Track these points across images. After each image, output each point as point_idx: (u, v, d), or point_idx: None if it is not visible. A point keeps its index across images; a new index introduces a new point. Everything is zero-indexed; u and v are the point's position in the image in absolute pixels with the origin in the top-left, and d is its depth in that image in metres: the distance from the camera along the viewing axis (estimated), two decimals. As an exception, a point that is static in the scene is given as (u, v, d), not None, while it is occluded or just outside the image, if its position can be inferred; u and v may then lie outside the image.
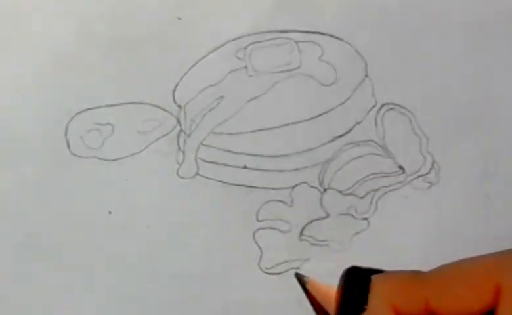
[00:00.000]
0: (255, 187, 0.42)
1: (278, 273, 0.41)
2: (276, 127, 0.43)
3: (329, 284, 0.37)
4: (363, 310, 0.31)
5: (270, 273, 0.41)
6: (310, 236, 0.41)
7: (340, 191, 0.42)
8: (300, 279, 0.40)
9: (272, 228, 0.41)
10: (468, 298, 0.31)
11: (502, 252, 0.32)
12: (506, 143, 0.44)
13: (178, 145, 0.43)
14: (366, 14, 0.45)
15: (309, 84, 0.44)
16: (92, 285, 0.40)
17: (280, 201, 0.42)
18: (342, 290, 0.32)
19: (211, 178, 0.42)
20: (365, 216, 0.42)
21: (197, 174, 0.42)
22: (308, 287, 0.39)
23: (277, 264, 0.41)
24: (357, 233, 0.42)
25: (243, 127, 0.43)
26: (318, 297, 0.38)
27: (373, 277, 0.32)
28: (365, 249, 0.41)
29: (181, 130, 0.43)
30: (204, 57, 0.44)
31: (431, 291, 0.31)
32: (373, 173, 0.42)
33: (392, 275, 0.32)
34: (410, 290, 0.31)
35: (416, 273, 0.32)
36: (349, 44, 0.44)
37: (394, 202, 0.42)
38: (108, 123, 0.43)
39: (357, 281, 0.32)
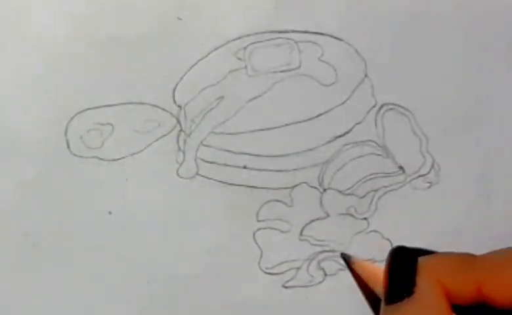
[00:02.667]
0: (255, 187, 0.42)
1: (278, 273, 0.41)
2: (276, 127, 0.43)
3: (375, 264, 0.37)
4: (412, 292, 0.30)
5: (270, 273, 0.41)
6: (310, 236, 0.41)
7: (340, 192, 0.42)
8: (346, 259, 0.40)
9: (272, 228, 0.41)
10: None
11: None
12: (506, 143, 0.44)
13: (178, 145, 0.43)
14: (366, 14, 0.45)
15: (309, 84, 0.44)
16: (92, 285, 0.40)
17: (280, 201, 0.42)
18: (389, 272, 0.31)
19: (211, 178, 0.42)
20: (365, 216, 0.42)
21: (197, 174, 0.42)
22: (354, 267, 0.39)
23: (277, 264, 0.41)
24: (357, 233, 0.42)
25: (243, 127, 0.43)
26: (364, 277, 0.38)
27: (421, 258, 0.31)
28: (365, 249, 0.41)
29: (181, 130, 0.43)
30: (204, 57, 0.44)
31: (485, 274, 0.30)
32: (373, 173, 0.42)
33: (441, 256, 0.31)
34: (461, 272, 0.30)
35: (468, 255, 0.31)
36: (349, 44, 0.44)
37: (394, 202, 0.42)
38: (108, 123, 0.43)
39: (404, 262, 0.31)
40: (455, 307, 0.30)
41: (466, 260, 0.30)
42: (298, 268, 0.41)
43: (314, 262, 0.41)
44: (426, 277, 0.30)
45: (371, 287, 0.36)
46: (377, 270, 0.35)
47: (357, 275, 0.38)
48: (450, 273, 0.30)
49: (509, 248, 0.31)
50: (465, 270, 0.30)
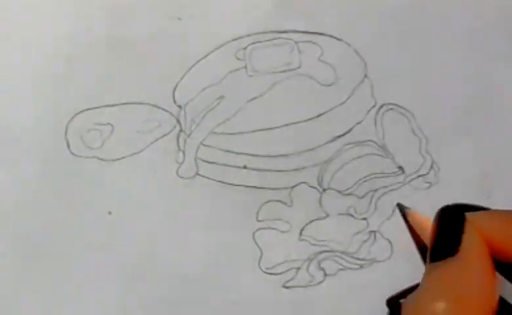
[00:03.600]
0: (254, 187, 0.42)
1: (278, 273, 0.41)
2: (275, 127, 0.43)
3: (428, 217, 0.37)
4: (456, 251, 0.30)
5: (270, 273, 0.41)
6: (310, 236, 0.41)
7: (339, 191, 0.42)
8: (402, 210, 0.40)
9: (272, 228, 0.41)
10: None
11: None
12: (506, 143, 0.44)
13: (178, 145, 0.43)
14: (366, 14, 0.45)
15: (309, 84, 0.44)
16: (92, 285, 0.40)
17: (280, 201, 0.42)
18: (437, 229, 0.31)
19: (211, 178, 0.42)
20: (364, 216, 0.42)
21: (197, 174, 0.42)
22: (409, 218, 0.39)
23: (277, 264, 0.41)
24: (357, 233, 0.42)
25: (243, 127, 0.43)
26: (417, 229, 0.38)
27: (468, 216, 0.30)
28: (365, 249, 0.41)
29: (181, 130, 0.43)
30: (204, 57, 0.44)
31: None
32: (373, 173, 0.42)
33: (490, 213, 0.31)
34: (508, 227, 0.30)
35: None
36: (349, 44, 0.44)
37: (394, 202, 0.42)
38: (108, 123, 0.43)
39: (451, 221, 0.30)
40: (506, 265, 0.30)
41: None
42: (298, 268, 0.41)
43: (314, 262, 0.41)
44: (471, 236, 0.30)
45: (422, 238, 0.36)
46: (428, 224, 0.34)
47: (411, 226, 0.38)
48: (499, 229, 0.30)
49: None
50: None
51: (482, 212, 0.31)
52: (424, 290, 0.29)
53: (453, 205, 0.32)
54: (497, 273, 0.30)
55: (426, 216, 0.37)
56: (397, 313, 0.32)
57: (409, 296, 0.30)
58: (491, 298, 0.29)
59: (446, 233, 0.30)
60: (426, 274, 0.30)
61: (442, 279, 0.29)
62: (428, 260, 0.31)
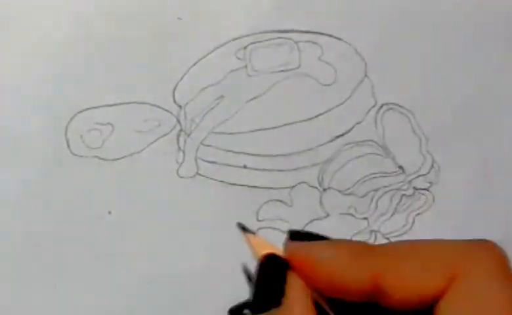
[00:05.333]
0: (255, 187, 0.42)
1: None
2: (275, 127, 0.43)
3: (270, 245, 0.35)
4: (279, 302, 0.29)
5: (270, 273, 0.41)
6: (310, 236, 0.41)
7: (340, 191, 0.42)
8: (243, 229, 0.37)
9: (272, 228, 0.41)
10: (422, 279, 0.28)
11: (461, 241, 0.29)
12: (506, 143, 0.44)
13: (178, 145, 0.43)
14: (366, 14, 0.45)
15: (309, 84, 0.44)
16: (92, 285, 0.40)
17: (280, 201, 0.42)
18: (257, 282, 0.30)
19: (211, 178, 0.42)
20: (365, 215, 0.42)
21: (197, 174, 0.42)
22: (247, 237, 0.37)
23: (277, 264, 0.41)
24: (357, 232, 0.42)
25: (243, 127, 0.43)
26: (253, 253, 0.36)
27: (292, 262, 0.29)
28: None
29: (181, 130, 0.43)
30: (204, 57, 0.44)
31: (382, 263, 0.28)
32: (373, 173, 0.42)
33: (332, 245, 0.30)
34: (357, 261, 0.29)
35: (366, 245, 0.30)
36: (349, 44, 0.44)
37: (395, 202, 0.42)
38: (108, 123, 0.43)
39: (274, 270, 0.29)
40: (346, 306, 0.29)
41: (364, 248, 0.29)
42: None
43: (314, 262, 0.41)
44: (295, 285, 0.29)
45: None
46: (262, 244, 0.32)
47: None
48: (343, 261, 0.29)
49: (409, 241, 0.30)
50: (362, 258, 0.29)
51: (323, 242, 0.30)
52: None
53: (275, 256, 0.30)
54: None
55: (265, 243, 0.34)
56: None
57: None
58: None
59: (269, 283, 0.30)
60: None
61: None
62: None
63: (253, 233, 0.35)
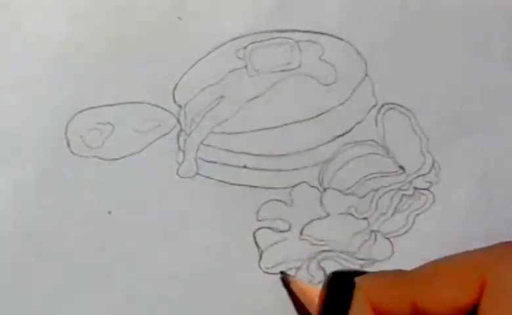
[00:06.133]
0: (255, 187, 0.42)
1: (278, 274, 0.41)
2: (275, 127, 0.43)
3: (313, 285, 0.37)
4: (346, 313, 0.30)
5: (270, 273, 0.41)
6: (310, 236, 0.41)
7: (340, 191, 0.42)
8: (285, 278, 0.40)
9: (272, 228, 0.41)
10: (455, 294, 0.30)
11: (487, 248, 0.31)
12: (506, 143, 0.44)
13: (178, 145, 0.43)
14: (366, 13, 0.45)
15: (309, 84, 0.44)
16: (92, 285, 0.40)
17: (280, 200, 0.42)
18: (326, 293, 0.32)
19: (211, 178, 0.42)
20: (365, 215, 0.42)
21: (197, 174, 0.42)
22: (293, 286, 0.39)
23: (277, 264, 0.41)
24: (357, 232, 0.42)
25: (243, 127, 0.43)
26: (302, 297, 0.38)
27: (357, 279, 0.31)
28: (366, 249, 0.41)
29: (181, 129, 0.43)
30: (204, 57, 0.44)
31: (416, 288, 0.31)
32: (374, 173, 0.42)
33: (375, 277, 0.32)
34: (394, 289, 0.31)
35: (400, 272, 0.32)
36: (349, 43, 0.44)
37: (395, 202, 0.42)
38: (108, 123, 0.43)
39: (341, 284, 0.31)
40: None
41: (398, 276, 0.31)
42: (298, 268, 0.41)
43: (314, 262, 0.41)
44: (359, 302, 0.31)
45: (307, 308, 0.37)
46: (314, 292, 0.35)
47: (295, 295, 0.38)
48: (384, 291, 0.31)
49: (437, 260, 0.32)
50: (397, 287, 0.31)
51: (367, 275, 0.32)
52: None
53: (342, 271, 0.32)
54: None
55: (309, 284, 0.37)
56: None
57: None
58: None
59: (335, 300, 0.31)
60: None
61: None
62: None
63: (291, 279, 0.37)
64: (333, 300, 0.31)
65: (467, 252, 0.32)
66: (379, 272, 0.33)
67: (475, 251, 0.32)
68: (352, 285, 0.31)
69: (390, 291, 0.31)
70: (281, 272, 0.40)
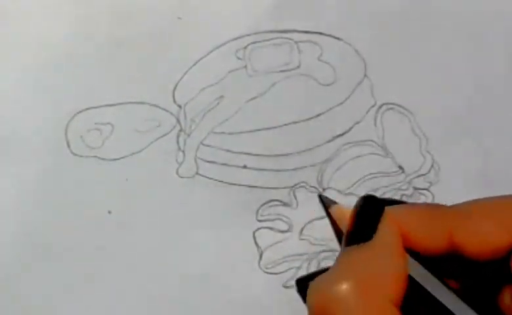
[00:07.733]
0: (254, 187, 0.42)
1: (278, 273, 0.41)
2: (275, 127, 0.43)
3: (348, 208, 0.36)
4: (370, 237, 0.30)
5: (270, 273, 0.41)
6: (310, 236, 0.41)
7: (339, 191, 0.42)
8: (324, 201, 0.39)
9: (272, 228, 0.41)
10: (497, 233, 0.29)
11: None
12: (506, 143, 0.44)
13: (178, 145, 0.43)
14: (366, 14, 0.45)
15: (308, 84, 0.44)
16: (92, 284, 0.40)
17: (280, 201, 0.42)
18: (355, 216, 0.31)
19: (211, 178, 0.42)
20: (364, 215, 0.42)
21: (197, 173, 0.42)
22: (331, 211, 0.39)
23: (277, 264, 0.41)
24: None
25: (243, 127, 0.43)
26: (336, 218, 0.38)
27: (387, 207, 0.30)
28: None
29: (181, 129, 0.43)
30: (204, 57, 0.44)
31: (456, 223, 0.30)
32: (373, 173, 0.42)
33: (410, 206, 0.31)
34: (431, 221, 0.30)
35: (437, 205, 0.31)
36: (348, 44, 0.44)
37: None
38: (108, 123, 0.43)
39: (370, 209, 0.31)
40: (427, 259, 0.30)
41: (436, 209, 0.30)
42: (298, 268, 0.41)
43: (314, 262, 0.41)
44: (387, 225, 0.30)
45: (341, 228, 0.36)
46: (348, 214, 0.34)
47: (331, 217, 0.37)
48: (421, 222, 0.30)
49: (479, 199, 0.31)
50: (435, 219, 0.30)
51: (400, 205, 0.31)
52: (332, 272, 0.30)
53: (374, 196, 0.32)
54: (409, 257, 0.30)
55: (346, 208, 0.37)
56: (304, 292, 0.32)
57: (318, 278, 0.30)
58: (397, 284, 0.29)
59: (363, 220, 0.31)
60: (338, 258, 0.30)
61: (351, 262, 0.29)
62: (343, 244, 0.31)
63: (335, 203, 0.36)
64: (361, 219, 0.31)
65: (509, 196, 0.30)
66: (414, 204, 0.32)
67: None
68: (381, 209, 0.30)
69: (427, 221, 0.30)
70: (320, 195, 0.39)
